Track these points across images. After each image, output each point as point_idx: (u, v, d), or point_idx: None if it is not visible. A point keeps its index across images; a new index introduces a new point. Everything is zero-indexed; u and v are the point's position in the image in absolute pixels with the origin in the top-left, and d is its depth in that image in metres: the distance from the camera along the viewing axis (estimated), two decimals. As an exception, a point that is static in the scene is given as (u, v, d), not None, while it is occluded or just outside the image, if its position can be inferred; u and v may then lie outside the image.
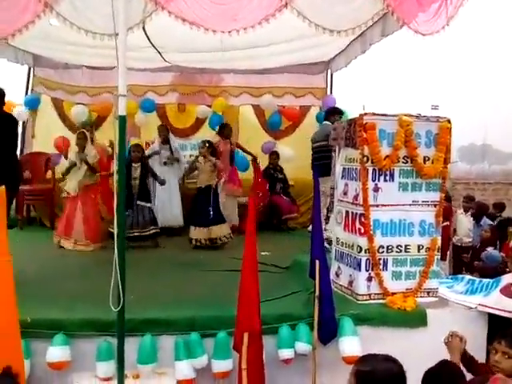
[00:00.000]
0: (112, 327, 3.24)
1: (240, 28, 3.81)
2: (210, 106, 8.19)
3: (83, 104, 7.89)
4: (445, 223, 6.02)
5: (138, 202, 6.10)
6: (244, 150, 7.44)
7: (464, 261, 7.52)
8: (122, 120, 3.04)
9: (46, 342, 3.27)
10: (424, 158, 3.90)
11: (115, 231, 3.05)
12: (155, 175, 6.44)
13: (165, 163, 7.09)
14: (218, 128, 7.34)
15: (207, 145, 6.33)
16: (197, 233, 6.17)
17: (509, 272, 4.56)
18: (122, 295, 2.96)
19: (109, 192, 6.60)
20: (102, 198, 6.57)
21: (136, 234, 5.96)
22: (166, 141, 7.27)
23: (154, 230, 6.14)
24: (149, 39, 5.57)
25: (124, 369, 3.09)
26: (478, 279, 4.35)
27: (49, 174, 7.64)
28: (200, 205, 6.22)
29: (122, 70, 2.99)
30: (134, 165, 6.13)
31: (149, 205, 6.20)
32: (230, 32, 3.81)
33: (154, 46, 5.98)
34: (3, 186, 2.66)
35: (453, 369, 2.33)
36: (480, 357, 3.11)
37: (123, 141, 3.10)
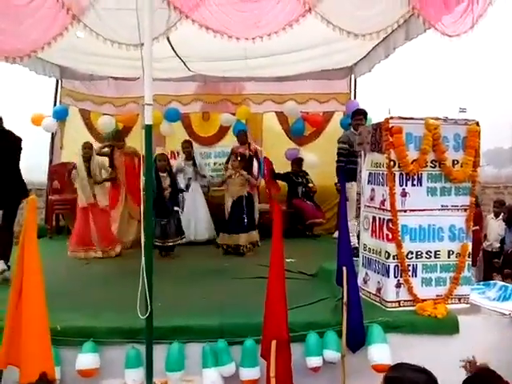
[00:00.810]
0: (140, 334, 3.27)
1: (263, 34, 3.81)
2: (233, 114, 8.22)
3: (110, 114, 8.03)
4: (474, 228, 5.88)
5: (175, 208, 6.15)
6: (257, 158, 7.38)
7: (495, 266, 7.32)
8: (149, 129, 3.08)
9: (75, 350, 3.31)
10: (453, 161, 3.83)
11: (142, 239, 3.08)
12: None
13: (188, 182, 7.17)
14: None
15: (239, 158, 6.39)
16: (224, 239, 6.24)
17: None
18: (149, 303, 2.98)
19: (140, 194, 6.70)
20: (134, 201, 6.64)
21: (170, 244, 6.00)
22: (189, 157, 7.34)
23: (179, 241, 6.17)
24: (173, 49, 5.64)
25: (152, 376, 3.11)
26: (511, 285, 4.23)
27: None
28: (234, 214, 6.29)
29: (147, 80, 3.04)
30: (161, 174, 6.15)
31: (177, 209, 6.23)
32: (253, 39, 3.81)
33: (178, 55, 6.04)
34: (34, 195, 2.72)
35: (491, 377, 2.26)
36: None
37: (150, 149, 3.13)
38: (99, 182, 6.19)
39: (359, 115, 5.97)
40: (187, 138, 8.21)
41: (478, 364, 2.63)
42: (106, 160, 6.60)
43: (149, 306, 2.98)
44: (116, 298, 4.11)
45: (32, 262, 2.72)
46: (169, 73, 7.29)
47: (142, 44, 3.09)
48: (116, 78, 7.99)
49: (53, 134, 8.16)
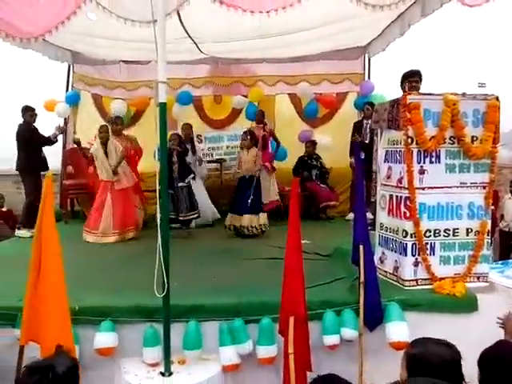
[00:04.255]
0: (157, 313, 3.28)
1: (278, 7, 3.72)
2: (246, 97, 8.15)
3: (122, 99, 8.01)
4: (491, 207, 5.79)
5: (179, 184, 6.18)
6: (275, 139, 7.31)
7: (512, 246, 7.24)
8: (163, 107, 3.04)
9: (93, 329, 3.34)
10: (472, 137, 3.76)
11: (158, 218, 3.06)
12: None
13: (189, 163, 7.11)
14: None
15: (249, 136, 6.34)
16: (230, 219, 6.23)
17: None
18: (166, 281, 2.98)
19: (136, 183, 6.73)
20: (134, 189, 6.68)
21: (172, 216, 5.97)
22: (188, 140, 7.22)
23: (191, 216, 6.20)
24: (185, 29, 5.57)
25: (170, 354, 3.12)
26: (530, 264, 4.17)
27: (91, 168, 7.80)
28: (240, 193, 6.23)
29: (160, 57, 2.99)
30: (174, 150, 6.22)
31: (186, 184, 6.27)
32: (268, 12, 3.73)
33: (190, 36, 5.97)
34: (50, 173, 2.72)
35: (510, 348, 2.22)
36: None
37: (165, 128, 3.09)
38: (115, 166, 6.21)
39: (414, 76, 4.72)
40: (200, 121, 8.18)
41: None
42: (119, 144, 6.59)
43: (165, 284, 2.98)
44: (132, 278, 4.15)
45: (50, 241, 2.72)
46: (180, 55, 7.22)
47: (155, 21, 3.04)
48: (127, 62, 7.94)
49: (65, 119, 8.17)
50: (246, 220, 6.13)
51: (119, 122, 6.67)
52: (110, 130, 6.37)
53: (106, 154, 6.26)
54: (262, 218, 6.24)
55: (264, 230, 6.20)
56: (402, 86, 4.82)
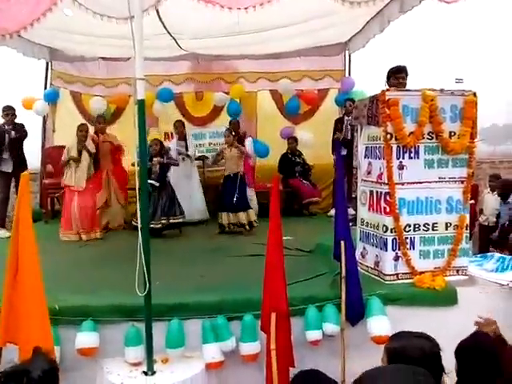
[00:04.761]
0: (138, 312, 3.25)
1: (255, 4, 3.71)
2: (227, 93, 8.13)
3: (101, 96, 7.92)
4: (470, 202, 5.88)
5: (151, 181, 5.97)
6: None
7: (492, 240, 7.35)
8: (142, 104, 3.01)
9: (74, 329, 3.30)
10: (450, 133, 3.80)
11: (138, 216, 3.04)
12: (171, 160, 6.44)
13: (183, 159, 7.10)
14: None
15: (233, 133, 6.36)
16: (226, 217, 6.24)
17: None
18: (147, 279, 2.96)
19: (124, 179, 6.71)
20: (119, 185, 6.66)
21: (151, 226, 5.91)
22: (182, 137, 7.27)
23: (172, 220, 6.13)
24: (163, 24, 5.53)
25: (153, 353, 3.10)
26: (508, 256, 4.24)
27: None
28: (227, 191, 6.26)
29: (138, 54, 2.96)
30: (154, 159, 6.13)
31: (153, 182, 6.06)
32: (246, 8, 3.71)
33: (169, 32, 5.93)
34: (27, 171, 2.68)
35: (485, 339, 2.26)
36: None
37: (143, 125, 3.06)
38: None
39: (400, 72, 4.60)
40: (181, 118, 8.14)
41: (493, 321, 2.63)
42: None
43: (147, 283, 2.96)
44: (113, 277, 4.11)
45: (26, 241, 2.68)
46: (160, 52, 7.16)
47: (132, 17, 3.01)
48: (106, 59, 7.86)
49: (44, 117, 8.05)
50: (243, 216, 6.20)
51: (101, 121, 6.59)
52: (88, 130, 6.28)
53: (79, 153, 6.10)
54: (251, 213, 6.30)
55: (255, 225, 6.23)
56: (388, 81, 4.71)
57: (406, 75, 4.68)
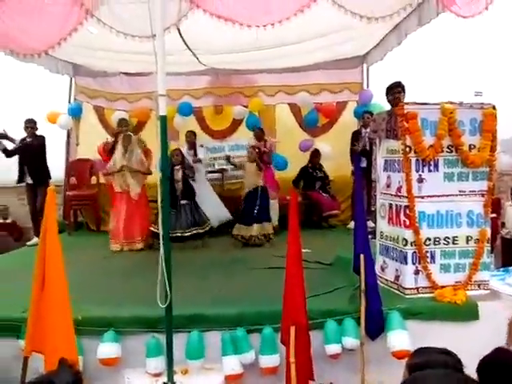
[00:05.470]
0: (160, 324, 3.30)
1: (274, 21, 3.78)
2: (246, 107, 8.22)
3: (124, 110, 8.08)
4: (492, 215, 5.80)
5: (182, 202, 6.23)
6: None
7: (514, 254, 7.22)
8: (163, 120, 3.09)
9: (97, 340, 3.37)
10: (469, 146, 3.79)
11: (160, 229, 3.11)
12: (190, 173, 6.55)
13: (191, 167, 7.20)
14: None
15: (257, 150, 6.47)
16: (238, 229, 6.30)
17: None
18: (169, 291, 3.01)
19: (144, 192, 6.79)
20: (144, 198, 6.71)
21: (178, 234, 6.03)
22: (192, 146, 7.40)
23: (195, 231, 6.21)
24: (184, 41, 5.65)
25: (173, 364, 3.14)
26: (531, 271, 4.18)
27: (93, 179, 7.88)
28: (248, 206, 6.33)
29: (160, 71, 3.05)
30: (175, 167, 6.28)
31: (184, 202, 6.27)
32: (264, 26, 3.79)
33: (189, 48, 6.04)
34: (53, 186, 2.77)
35: (508, 355, 2.23)
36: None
37: (165, 140, 3.14)
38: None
39: (397, 88, 4.94)
40: (201, 131, 8.24)
41: None
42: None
43: (168, 295, 3.01)
44: (135, 289, 4.17)
45: (53, 252, 2.76)
46: (180, 67, 7.29)
47: (154, 35, 3.10)
48: (129, 74, 8.03)
49: (68, 131, 8.24)
50: (255, 229, 6.23)
51: (124, 124, 6.59)
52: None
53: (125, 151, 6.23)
54: (268, 227, 6.32)
55: (270, 238, 6.26)
56: (387, 98, 5.02)
57: (403, 90, 4.96)
